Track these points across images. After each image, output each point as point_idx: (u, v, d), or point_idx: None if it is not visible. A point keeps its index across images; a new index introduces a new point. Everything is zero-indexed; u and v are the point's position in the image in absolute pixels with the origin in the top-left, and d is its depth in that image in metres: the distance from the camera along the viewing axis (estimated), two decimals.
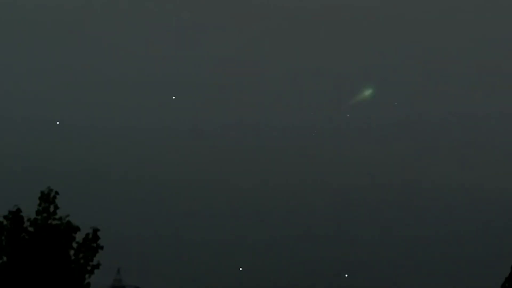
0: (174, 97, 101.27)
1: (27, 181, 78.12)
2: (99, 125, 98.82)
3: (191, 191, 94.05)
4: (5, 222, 31.58)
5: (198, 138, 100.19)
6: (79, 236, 32.15)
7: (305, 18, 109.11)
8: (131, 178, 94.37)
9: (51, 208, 32.12)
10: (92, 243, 31.90)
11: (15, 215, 31.66)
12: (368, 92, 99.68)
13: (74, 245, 31.98)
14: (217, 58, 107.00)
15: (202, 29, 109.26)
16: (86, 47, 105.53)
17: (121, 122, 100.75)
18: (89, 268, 32.06)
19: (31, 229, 31.64)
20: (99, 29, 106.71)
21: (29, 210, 32.09)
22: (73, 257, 31.88)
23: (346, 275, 75.77)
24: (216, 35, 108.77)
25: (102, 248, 32.07)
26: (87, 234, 32.01)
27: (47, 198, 32.10)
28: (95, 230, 32.08)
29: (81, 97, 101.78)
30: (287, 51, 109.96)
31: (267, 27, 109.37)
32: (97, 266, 32.19)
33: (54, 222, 31.88)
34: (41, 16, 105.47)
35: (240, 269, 78.97)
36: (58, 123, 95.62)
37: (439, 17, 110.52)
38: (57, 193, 32.31)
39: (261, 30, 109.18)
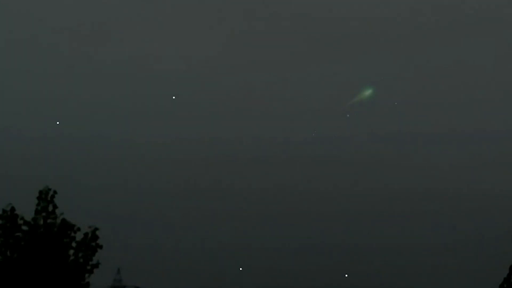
0: (174, 97, 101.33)
1: (25, 181, 78.13)
2: (99, 125, 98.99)
3: (193, 192, 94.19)
4: (0, 222, 31.66)
5: (200, 143, 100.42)
6: (79, 236, 32.24)
7: (305, 19, 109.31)
8: (132, 177, 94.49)
9: (50, 208, 32.19)
10: (91, 242, 31.97)
11: (9, 214, 31.70)
12: (368, 92, 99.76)
13: (74, 244, 32.05)
14: (218, 61, 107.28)
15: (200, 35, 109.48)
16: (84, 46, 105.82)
17: (121, 122, 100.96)
18: (88, 267, 32.11)
19: (25, 228, 31.67)
20: (100, 29, 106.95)
21: (27, 210, 32.13)
22: (72, 257, 31.94)
23: (346, 275, 75.77)
24: (214, 38, 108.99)
25: (101, 247, 32.12)
26: (86, 234, 32.08)
27: (46, 197, 32.17)
28: (95, 229, 32.17)
29: (81, 97, 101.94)
30: (286, 51, 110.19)
31: (267, 29, 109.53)
32: (97, 265, 32.23)
33: (53, 221, 31.95)
34: (41, 16, 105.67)
35: (240, 269, 79.02)
36: (58, 123, 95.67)
37: (440, 17, 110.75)
38: (55, 192, 32.38)
39: (262, 31, 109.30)
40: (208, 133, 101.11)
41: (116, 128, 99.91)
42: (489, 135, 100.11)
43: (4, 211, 31.81)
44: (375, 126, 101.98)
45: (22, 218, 31.84)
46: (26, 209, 32.07)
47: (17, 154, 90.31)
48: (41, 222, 31.92)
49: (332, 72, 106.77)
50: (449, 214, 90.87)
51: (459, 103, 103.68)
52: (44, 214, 32.03)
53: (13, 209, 31.87)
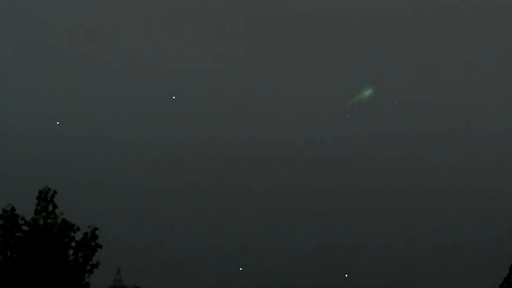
0: (174, 97, 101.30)
1: (25, 181, 78.12)
2: (99, 125, 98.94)
3: (193, 192, 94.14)
4: (0, 222, 31.66)
5: (200, 143, 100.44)
6: (79, 236, 32.25)
7: (305, 19, 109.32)
8: (132, 177, 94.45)
9: (50, 208, 32.19)
10: (91, 242, 31.98)
11: (10, 214, 31.70)
12: (368, 92, 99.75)
13: (73, 244, 32.05)
14: (218, 61, 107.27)
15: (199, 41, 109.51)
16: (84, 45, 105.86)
17: (121, 122, 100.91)
18: (88, 267, 32.11)
19: (25, 228, 31.68)
20: (100, 27, 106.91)
21: (27, 210, 32.12)
22: (72, 256, 31.94)
23: (346, 275, 75.74)
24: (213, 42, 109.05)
25: (101, 247, 32.13)
26: (86, 233, 32.09)
27: (46, 197, 32.16)
28: (94, 229, 32.18)
29: (81, 97, 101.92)
30: (286, 51, 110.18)
31: (267, 29, 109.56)
32: (97, 265, 32.24)
33: (53, 221, 31.95)
34: (41, 16, 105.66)
35: (240, 269, 78.99)
36: (58, 123, 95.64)
37: (440, 17, 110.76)
38: (55, 192, 32.38)
39: (262, 31, 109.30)
40: (208, 133, 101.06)
41: (116, 128, 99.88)
42: (489, 135, 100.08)
43: (4, 211, 31.82)
44: (375, 126, 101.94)
45: (22, 218, 31.84)
46: (26, 209, 32.09)
47: (17, 154, 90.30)
48: (41, 222, 31.93)
49: (332, 72, 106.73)
50: (449, 214, 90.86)
51: (459, 103, 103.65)
52: (44, 214, 32.03)
53: (13, 209, 31.87)
